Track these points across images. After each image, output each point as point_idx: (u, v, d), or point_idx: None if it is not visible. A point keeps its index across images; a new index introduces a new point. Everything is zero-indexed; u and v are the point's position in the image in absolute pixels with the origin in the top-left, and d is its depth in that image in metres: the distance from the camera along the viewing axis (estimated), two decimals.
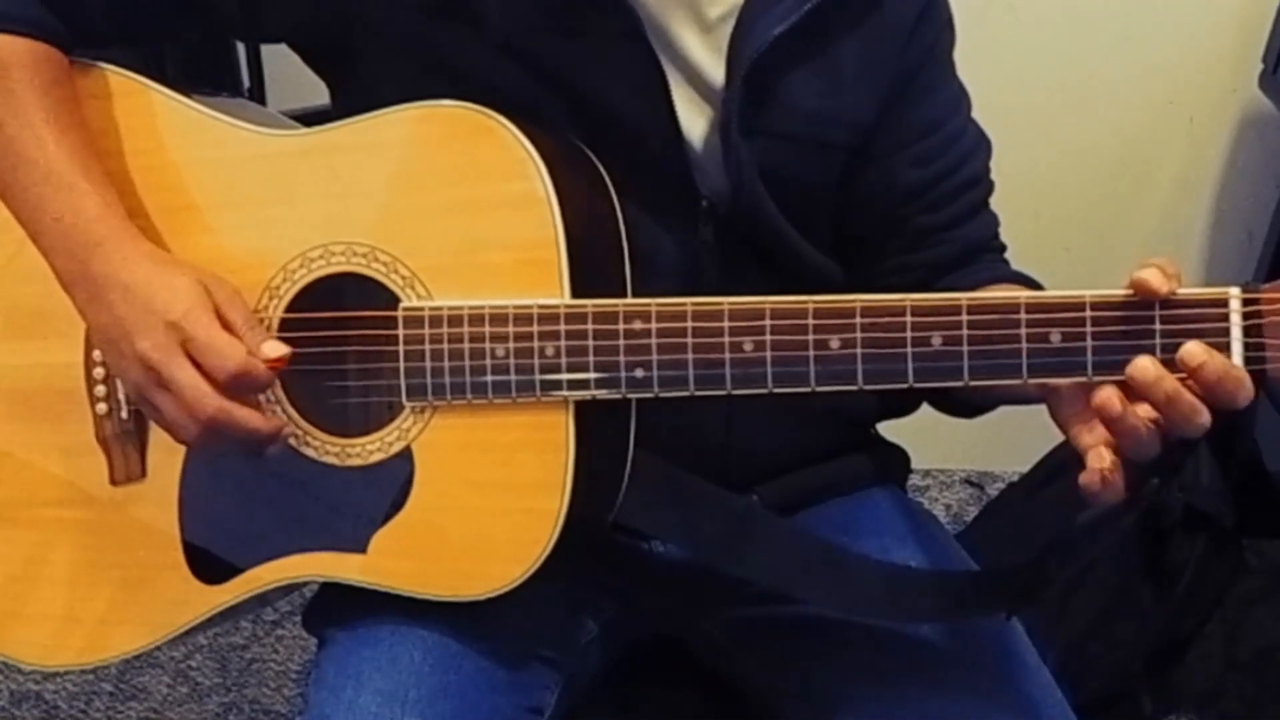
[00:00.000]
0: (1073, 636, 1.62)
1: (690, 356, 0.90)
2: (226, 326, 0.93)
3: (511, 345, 0.92)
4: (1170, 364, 0.82)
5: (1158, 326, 0.83)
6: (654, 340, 0.90)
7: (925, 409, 1.13)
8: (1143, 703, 1.67)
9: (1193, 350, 0.81)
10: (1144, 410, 0.83)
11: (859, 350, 0.87)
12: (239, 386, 0.92)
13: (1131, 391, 0.83)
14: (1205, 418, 0.82)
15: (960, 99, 1.10)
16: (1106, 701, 1.64)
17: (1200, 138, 2.07)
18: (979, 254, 1.10)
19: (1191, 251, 2.12)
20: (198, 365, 0.92)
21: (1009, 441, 1.92)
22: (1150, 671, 1.67)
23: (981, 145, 1.10)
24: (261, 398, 0.97)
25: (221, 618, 1.04)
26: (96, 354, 1.02)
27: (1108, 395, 0.83)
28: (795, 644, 1.08)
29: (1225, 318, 0.82)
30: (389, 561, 0.97)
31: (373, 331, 0.95)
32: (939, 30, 1.08)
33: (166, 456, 1.01)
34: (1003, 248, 1.13)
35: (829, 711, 1.05)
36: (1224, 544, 1.65)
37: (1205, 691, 1.79)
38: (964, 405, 1.09)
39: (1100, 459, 0.84)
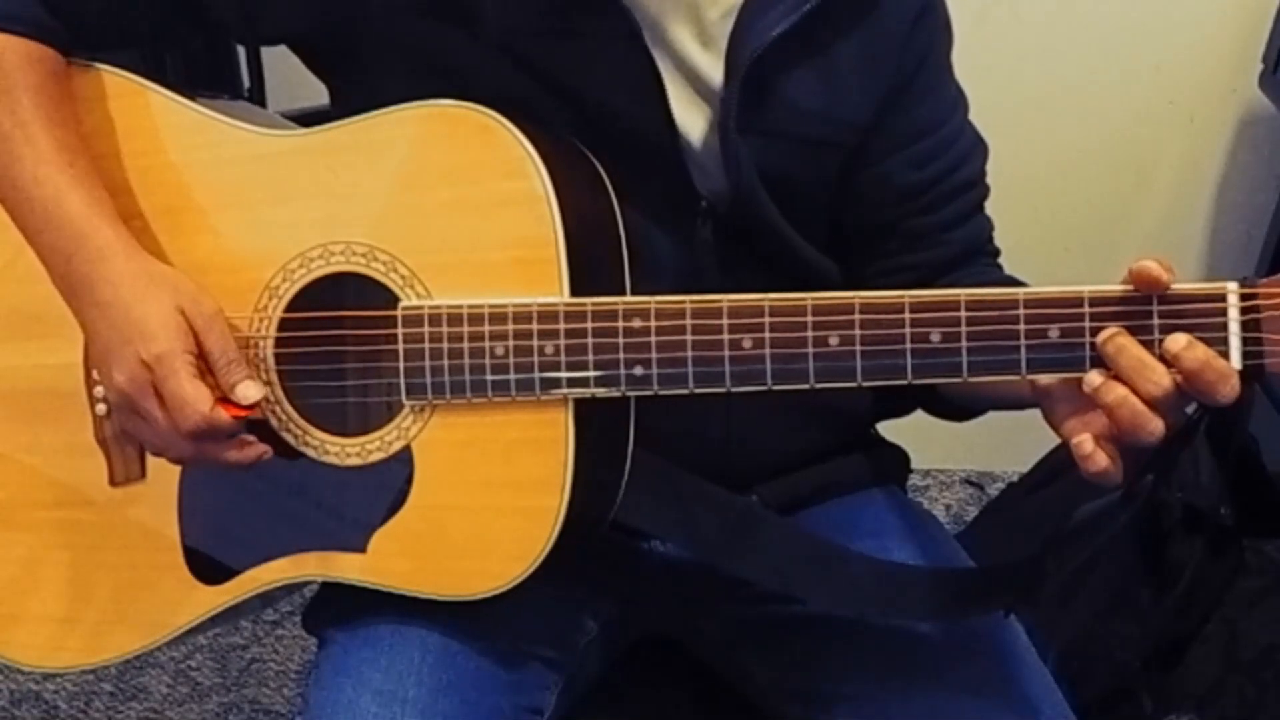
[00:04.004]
0: (1073, 636, 1.62)
1: (689, 354, 0.90)
2: (205, 357, 0.94)
3: (511, 344, 0.92)
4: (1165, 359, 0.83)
5: (1155, 321, 0.83)
6: (653, 338, 0.90)
7: None
8: (1143, 703, 1.67)
9: (1177, 338, 0.82)
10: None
11: (858, 347, 0.87)
12: (202, 438, 0.93)
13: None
14: (1156, 425, 0.83)
15: (957, 101, 1.10)
16: (1106, 701, 1.63)
17: (1200, 138, 2.07)
18: (974, 257, 1.10)
19: (1191, 251, 2.12)
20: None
21: (1009, 441, 1.92)
22: (1150, 671, 1.66)
23: (978, 148, 1.11)
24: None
25: (222, 618, 1.04)
26: None
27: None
28: (795, 643, 1.08)
29: (1223, 312, 0.82)
30: (389, 561, 0.98)
31: (372, 331, 0.95)
32: (936, 32, 1.08)
33: None
34: (997, 252, 1.13)
35: (828, 711, 1.05)
36: (1224, 544, 1.65)
37: (1205, 691, 1.79)
38: (956, 408, 1.10)
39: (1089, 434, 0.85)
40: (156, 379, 0.92)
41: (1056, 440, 0.89)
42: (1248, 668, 1.77)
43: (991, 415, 1.09)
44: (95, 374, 1.02)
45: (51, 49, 1.00)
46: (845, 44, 1.03)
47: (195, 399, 0.91)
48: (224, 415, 0.92)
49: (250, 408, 0.93)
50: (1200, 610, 1.66)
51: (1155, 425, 0.83)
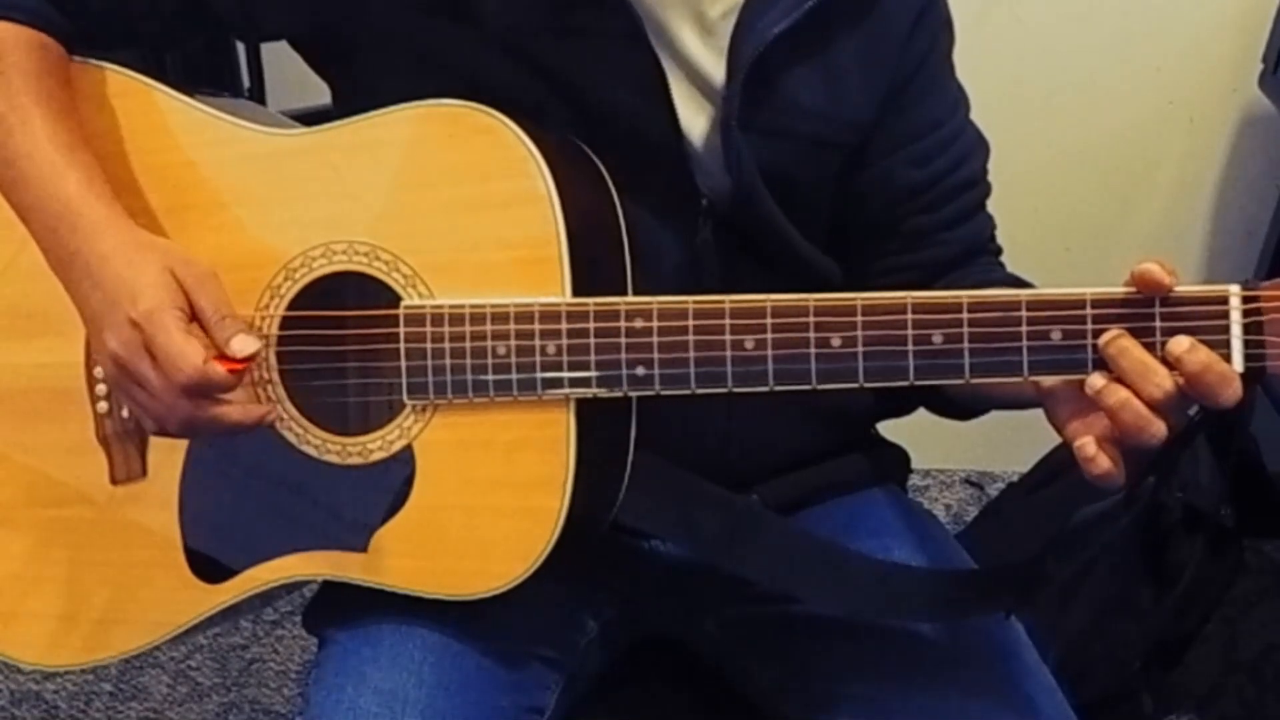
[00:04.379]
0: (1073, 636, 1.62)
1: (691, 355, 0.90)
2: (198, 315, 0.93)
3: (513, 343, 0.92)
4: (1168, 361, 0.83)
5: (1158, 324, 0.83)
6: (655, 339, 0.90)
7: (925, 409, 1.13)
8: (1143, 703, 1.67)
9: (1179, 341, 0.82)
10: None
11: (860, 348, 0.87)
12: (198, 394, 0.91)
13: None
14: (1159, 427, 0.83)
15: (959, 100, 1.10)
16: (1106, 701, 1.64)
17: (1200, 138, 2.07)
18: (975, 256, 1.10)
19: (1191, 251, 2.12)
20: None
21: (1009, 441, 1.92)
22: (1150, 671, 1.67)
23: (979, 147, 1.11)
24: (262, 395, 0.97)
25: (222, 617, 1.04)
26: None
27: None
28: (795, 643, 1.08)
29: (1225, 315, 0.82)
30: (389, 560, 0.97)
31: (374, 330, 0.95)
32: (937, 31, 1.08)
33: (167, 456, 1.02)
34: (999, 250, 1.13)
35: (829, 711, 1.05)
36: (1224, 544, 1.65)
37: (1205, 691, 1.79)
38: (959, 407, 1.10)
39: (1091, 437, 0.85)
40: (147, 337, 0.91)
41: (1056, 440, 0.89)
42: (1248, 668, 1.78)
43: (991, 415, 1.09)
44: (98, 370, 1.02)
45: (53, 40, 1.00)
46: (847, 42, 1.03)
47: (187, 352, 0.89)
48: (219, 368, 0.90)
49: (247, 360, 0.92)
50: (1200, 610, 1.67)
51: (1157, 427, 0.83)
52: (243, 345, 0.92)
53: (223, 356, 0.92)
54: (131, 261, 0.93)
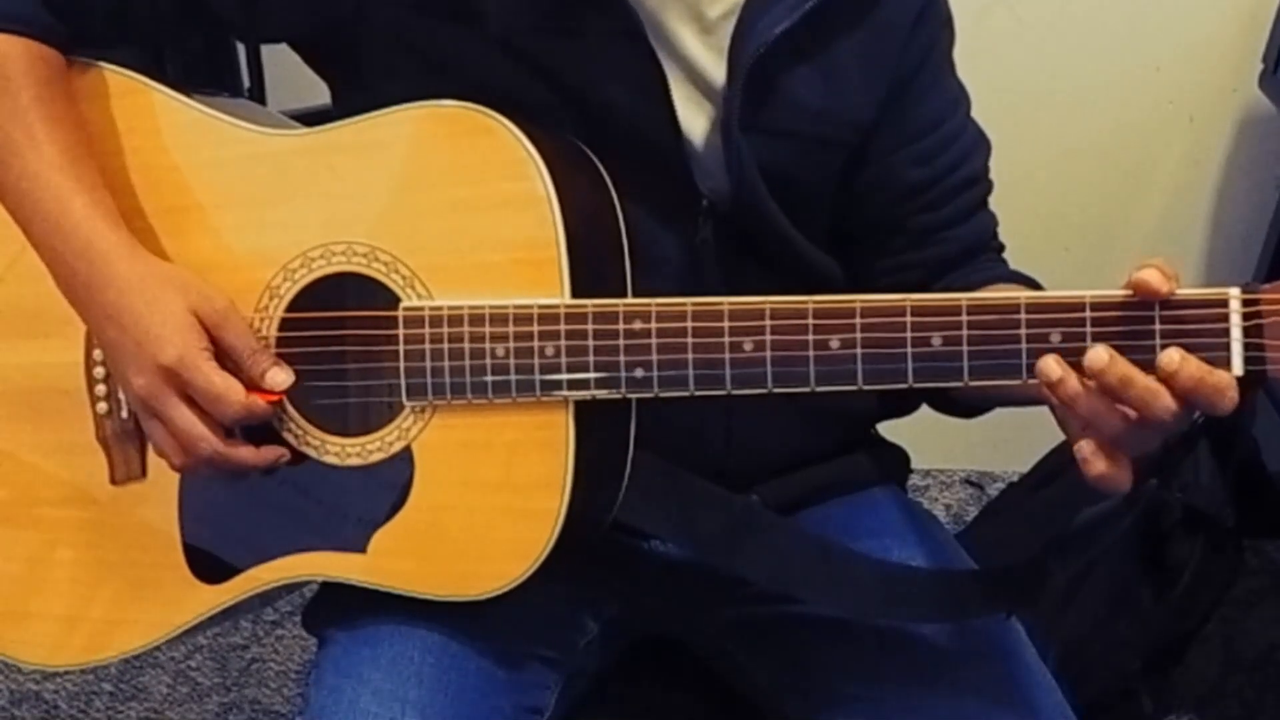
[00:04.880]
0: (1073, 636, 1.62)
1: (690, 356, 0.90)
2: (226, 351, 0.94)
3: (511, 345, 0.92)
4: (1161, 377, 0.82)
5: (1157, 327, 0.83)
6: (654, 340, 0.90)
7: (925, 409, 1.13)
8: (1143, 703, 1.67)
9: (1170, 356, 0.80)
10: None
11: (859, 350, 0.87)
12: (242, 424, 0.94)
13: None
14: (1118, 421, 0.82)
15: (959, 98, 1.10)
16: (1106, 701, 1.64)
17: (1200, 138, 2.07)
18: (978, 253, 1.10)
19: (1191, 251, 2.12)
20: (198, 406, 0.94)
21: (1009, 441, 1.92)
22: (1150, 671, 1.67)
23: (981, 144, 1.11)
24: None
25: (222, 617, 1.04)
26: (97, 353, 1.02)
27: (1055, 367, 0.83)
28: (795, 644, 1.08)
29: (1225, 318, 0.82)
30: (389, 561, 0.98)
31: (373, 331, 0.95)
32: (938, 29, 1.08)
33: None
34: (1001, 247, 1.13)
35: (829, 711, 1.05)
36: (1224, 544, 1.65)
37: (1205, 691, 1.79)
38: (963, 406, 1.10)
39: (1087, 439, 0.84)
40: (182, 381, 0.93)
41: (1056, 440, 0.89)
42: (1248, 668, 1.78)
43: (991, 415, 1.09)
44: (98, 370, 1.02)
45: (51, 49, 1.00)
46: (847, 42, 1.03)
47: (229, 390, 0.93)
48: (260, 402, 0.94)
49: (282, 392, 0.95)
50: (1200, 610, 1.67)
51: (1128, 428, 0.82)
52: (277, 378, 0.95)
53: (255, 387, 0.94)
54: (152, 300, 0.94)
